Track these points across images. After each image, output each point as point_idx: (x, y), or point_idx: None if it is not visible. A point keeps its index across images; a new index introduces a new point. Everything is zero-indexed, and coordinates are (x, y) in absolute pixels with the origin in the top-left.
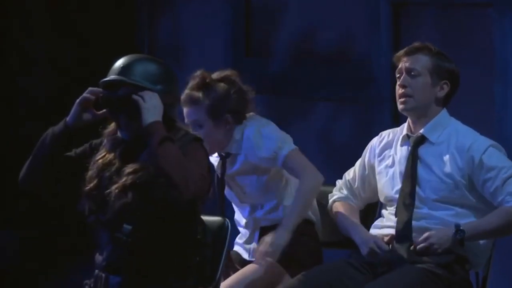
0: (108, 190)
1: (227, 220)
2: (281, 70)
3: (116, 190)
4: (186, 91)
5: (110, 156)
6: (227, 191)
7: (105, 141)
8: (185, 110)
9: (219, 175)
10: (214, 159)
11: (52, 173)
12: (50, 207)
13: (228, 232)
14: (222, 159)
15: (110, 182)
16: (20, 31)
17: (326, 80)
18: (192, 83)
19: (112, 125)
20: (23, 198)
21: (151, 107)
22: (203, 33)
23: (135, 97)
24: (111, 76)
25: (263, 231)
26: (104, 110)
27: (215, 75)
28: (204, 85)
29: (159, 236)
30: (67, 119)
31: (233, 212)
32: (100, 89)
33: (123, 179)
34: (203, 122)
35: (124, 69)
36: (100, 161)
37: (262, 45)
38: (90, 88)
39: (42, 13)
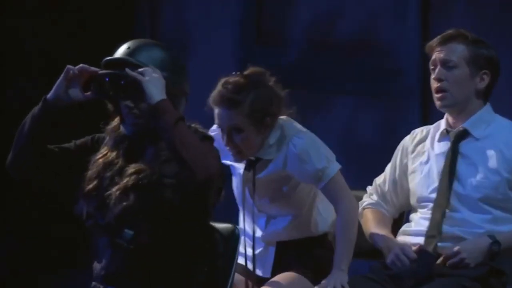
0: (109, 192)
1: (238, 227)
2: (296, 60)
3: (117, 192)
4: (221, 92)
5: (112, 154)
6: (240, 197)
7: (107, 138)
8: (220, 112)
9: (248, 180)
10: (237, 165)
11: (38, 156)
12: (46, 210)
13: (239, 240)
14: (251, 164)
15: (111, 183)
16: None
17: (346, 72)
18: (228, 84)
19: (115, 121)
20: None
21: (154, 80)
22: (209, 20)
23: (131, 72)
24: (114, 56)
25: (281, 246)
26: (91, 92)
27: (247, 73)
28: (244, 87)
29: (164, 242)
30: (47, 95)
31: (235, 217)
32: (94, 69)
33: (125, 180)
34: (244, 127)
35: (128, 52)
36: (100, 160)
37: (274, 32)
38: (82, 65)
39: (42, 12)
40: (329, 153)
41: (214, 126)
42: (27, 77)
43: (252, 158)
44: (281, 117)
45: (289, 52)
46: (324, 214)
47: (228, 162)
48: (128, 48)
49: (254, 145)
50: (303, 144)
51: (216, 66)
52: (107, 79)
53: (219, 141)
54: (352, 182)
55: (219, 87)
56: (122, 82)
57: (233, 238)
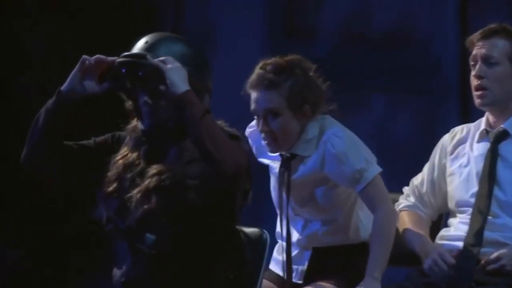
0: (129, 194)
1: (265, 232)
2: (327, 54)
3: (138, 194)
4: (260, 74)
5: (132, 155)
6: (277, 198)
7: (127, 138)
8: (257, 95)
9: (283, 180)
10: (273, 164)
11: (53, 151)
12: (59, 212)
13: (266, 246)
14: (287, 161)
15: (131, 185)
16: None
17: (381, 67)
18: (268, 65)
19: (136, 120)
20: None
21: (177, 69)
22: (235, 10)
23: (152, 60)
24: (130, 52)
25: (317, 252)
26: (107, 83)
27: (287, 58)
28: (284, 69)
29: (187, 247)
30: (62, 87)
31: (268, 221)
32: (111, 58)
33: (146, 182)
34: (282, 111)
35: (146, 47)
36: (120, 161)
37: (305, 25)
38: (98, 55)
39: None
40: (370, 155)
41: (253, 122)
42: (27, 77)
43: (287, 154)
44: (321, 114)
45: (320, 46)
46: (365, 221)
47: (265, 161)
48: (146, 42)
49: (291, 134)
50: (342, 144)
51: (242, 62)
52: (123, 70)
53: (255, 138)
54: (387, 184)
55: (257, 70)
56: (141, 73)
57: (260, 243)
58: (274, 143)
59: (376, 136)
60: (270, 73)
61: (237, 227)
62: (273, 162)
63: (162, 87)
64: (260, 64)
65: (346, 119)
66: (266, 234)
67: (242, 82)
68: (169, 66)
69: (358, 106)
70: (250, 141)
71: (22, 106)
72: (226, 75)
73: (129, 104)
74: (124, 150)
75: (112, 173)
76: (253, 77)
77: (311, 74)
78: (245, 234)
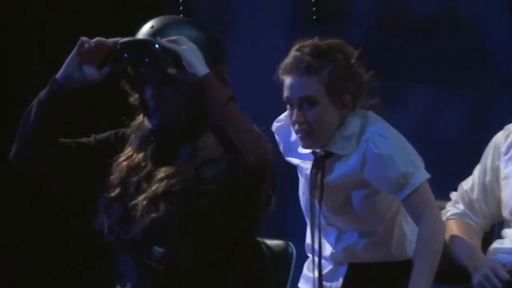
0: (134, 201)
1: (291, 244)
2: (362, 41)
3: (145, 201)
4: (296, 56)
5: (138, 156)
6: (307, 205)
7: (132, 136)
8: (292, 80)
9: (315, 183)
10: (303, 164)
11: (46, 148)
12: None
13: (292, 261)
14: (320, 160)
15: (137, 190)
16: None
17: (424, 56)
18: (305, 47)
19: (141, 116)
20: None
21: (193, 49)
22: None
23: (162, 42)
24: (133, 38)
25: (353, 268)
26: (109, 67)
27: (326, 41)
28: (324, 52)
29: (201, 262)
30: (57, 75)
31: (295, 232)
32: (114, 40)
33: (154, 187)
34: (319, 98)
35: (152, 32)
36: (124, 163)
37: (335, 6)
38: (99, 38)
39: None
40: (417, 158)
41: (282, 116)
42: (27, 79)
43: (322, 152)
44: (362, 110)
45: (353, 31)
46: (410, 236)
47: (294, 161)
48: (152, 27)
49: (328, 126)
50: (386, 144)
51: (264, 50)
52: (125, 56)
53: (283, 134)
54: (432, 189)
55: (292, 52)
56: (147, 60)
57: (285, 257)
58: (309, 136)
59: (419, 135)
60: (308, 56)
61: (258, 238)
62: (303, 162)
63: (174, 73)
64: (297, 46)
65: (383, 115)
66: (292, 247)
67: (263, 72)
68: (184, 47)
69: (399, 101)
70: (277, 137)
71: (22, 107)
72: (245, 65)
73: (134, 98)
74: (128, 150)
75: (114, 176)
76: (288, 60)
77: (352, 61)
78: (267, 247)
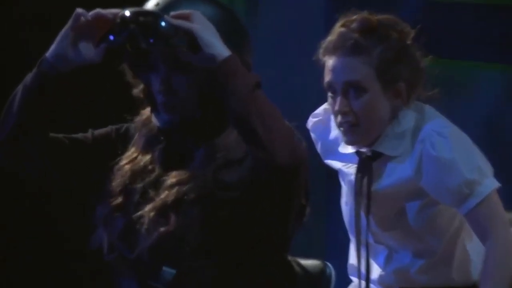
0: (140, 212)
1: (329, 265)
2: (413, 19)
3: (152, 213)
4: (342, 33)
5: (144, 158)
6: (351, 217)
7: (137, 134)
8: (336, 62)
9: (361, 190)
10: (346, 168)
11: (36, 145)
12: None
13: (331, 283)
14: (366, 161)
15: (143, 199)
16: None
17: (491, 35)
18: (353, 22)
19: (147, 111)
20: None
21: (210, 27)
22: None
23: (170, 19)
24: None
25: None
26: (108, 43)
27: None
28: (375, 29)
29: (220, 287)
30: (47, 53)
31: (334, 250)
32: (115, 11)
33: (163, 195)
34: (369, 85)
35: (160, 10)
36: (127, 166)
37: None
38: (98, 10)
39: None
40: (484, 163)
41: (319, 109)
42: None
43: (368, 152)
44: (418, 102)
45: (403, 6)
46: (474, 257)
47: (335, 164)
48: (157, 4)
49: (378, 119)
50: (447, 145)
51: (297, 29)
52: (125, 35)
53: (321, 132)
54: (501, 198)
55: (337, 28)
56: (151, 40)
57: (323, 279)
58: (354, 130)
59: (484, 131)
60: (356, 33)
61: (290, 257)
62: (346, 166)
63: (187, 56)
64: (342, 21)
65: (441, 106)
66: (330, 268)
67: (293, 56)
68: (198, 25)
69: (461, 88)
70: (313, 135)
71: None
72: (270, 48)
73: (139, 89)
74: (132, 151)
75: (116, 183)
76: (331, 37)
77: (408, 42)
78: (301, 267)
